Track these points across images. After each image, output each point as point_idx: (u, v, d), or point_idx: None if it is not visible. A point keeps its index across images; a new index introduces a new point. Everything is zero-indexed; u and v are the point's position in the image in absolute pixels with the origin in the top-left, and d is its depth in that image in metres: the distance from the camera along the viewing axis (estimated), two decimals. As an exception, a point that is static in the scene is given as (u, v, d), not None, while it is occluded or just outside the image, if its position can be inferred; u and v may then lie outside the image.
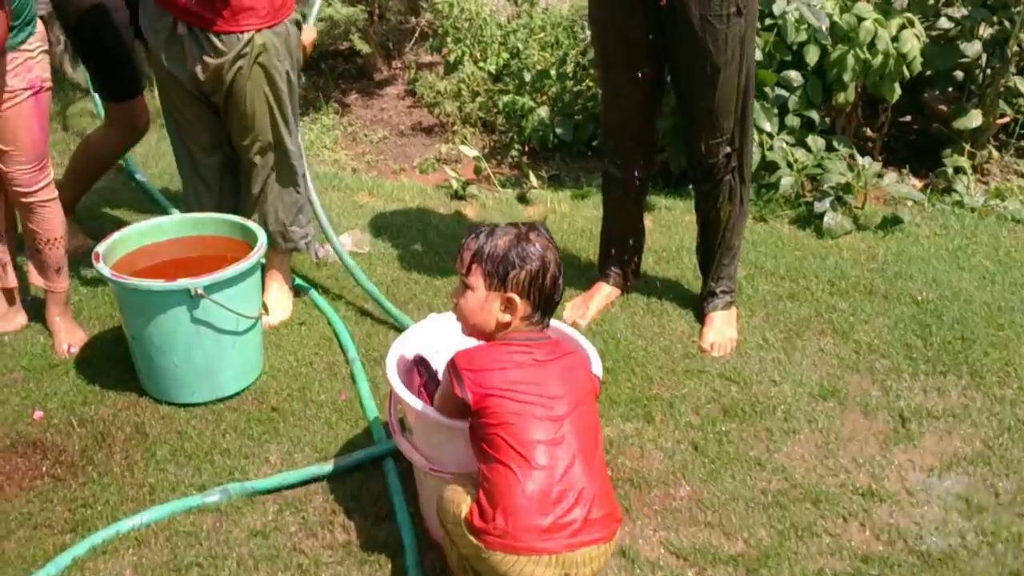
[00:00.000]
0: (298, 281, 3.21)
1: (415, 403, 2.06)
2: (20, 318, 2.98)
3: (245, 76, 2.74)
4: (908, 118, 4.26)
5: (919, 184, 3.84)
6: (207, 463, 2.46)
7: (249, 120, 2.81)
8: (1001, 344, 2.90)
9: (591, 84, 4.22)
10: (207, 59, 2.71)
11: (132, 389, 2.72)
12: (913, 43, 3.59)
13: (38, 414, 2.63)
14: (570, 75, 4.27)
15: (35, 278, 2.87)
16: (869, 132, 4.12)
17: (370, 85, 4.95)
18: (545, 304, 1.99)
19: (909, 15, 3.66)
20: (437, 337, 2.38)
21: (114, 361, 2.82)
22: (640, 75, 2.79)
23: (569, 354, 2.01)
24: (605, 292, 3.12)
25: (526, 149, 4.22)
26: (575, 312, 3.06)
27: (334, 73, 5.00)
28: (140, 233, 2.80)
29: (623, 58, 2.80)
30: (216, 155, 2.95)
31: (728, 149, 2.81)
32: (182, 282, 2.50)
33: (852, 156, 3.68)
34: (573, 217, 3.66)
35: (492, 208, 3.77)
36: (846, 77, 3.60)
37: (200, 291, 2.51)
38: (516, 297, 1.94)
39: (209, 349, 2.62)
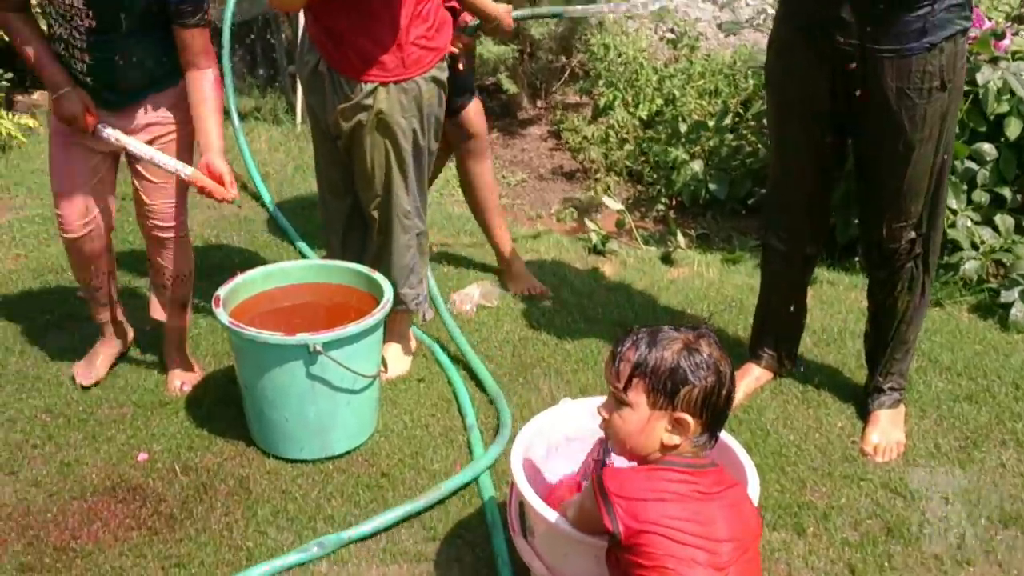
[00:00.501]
0: (420, 334, 2.99)
1: (545, 511, 1.77)
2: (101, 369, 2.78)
3: (365, 128, 2.57)
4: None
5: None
6: (309, 529, 2.24)
7: (368, 173, 2.63)
8: None
9: (753, 138, 3.87)
10: (335, 101, 2.56)
11: (240, 437, 2.54)
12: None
13: (142, 456, 2.48)
14: (729, 127, 3.92)
15: (157, 312, 2.74)
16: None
17: (513, 123, 4.73)
18: (716, 423, 1.67)
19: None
20: (571, 425, 2.09)
21: (225, 404, 2.65)
22: (819, 147, 2.46)
23: (735, 486, 1.69)
24: (755, 375, 2.76)
25: (673, 204, 3.90)
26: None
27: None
28: (264, 276, 2.63)
29: (802, 127, 2.46)
30: (345, 200, 2.77)
31: (913, 235, 2.43)
32: (301, 337, 2.30)
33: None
34: (722, 284, 3.32)
35: (632, 267, 3.46)
36: (1010, 131, 3.15)
37: (319, 348, 2.30)
38: (688, 418, 1.63)
39: (322, 406, 2.41)
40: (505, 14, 2.89)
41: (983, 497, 2.36)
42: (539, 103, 4.83)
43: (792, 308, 2.74)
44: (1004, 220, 3.28)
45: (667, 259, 3.52)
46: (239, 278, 2.56)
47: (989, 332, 3.05)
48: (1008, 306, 3.08)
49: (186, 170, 2.45)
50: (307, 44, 2.63)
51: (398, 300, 2.69)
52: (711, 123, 3.98)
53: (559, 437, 2.07)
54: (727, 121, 3.95)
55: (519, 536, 1.90)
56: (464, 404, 2.65)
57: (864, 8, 2.24)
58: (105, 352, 2.78)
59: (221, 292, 2.47)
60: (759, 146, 3.82)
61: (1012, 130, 3.17)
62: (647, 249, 3.60)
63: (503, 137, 4.65)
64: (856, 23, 2.26)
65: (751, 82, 4.13)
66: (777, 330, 2.76)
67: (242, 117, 4.35)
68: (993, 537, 2.24)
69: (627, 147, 4.19)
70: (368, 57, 2.50)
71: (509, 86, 4.50)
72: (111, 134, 2.45)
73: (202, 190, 2.42)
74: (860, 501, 2.34)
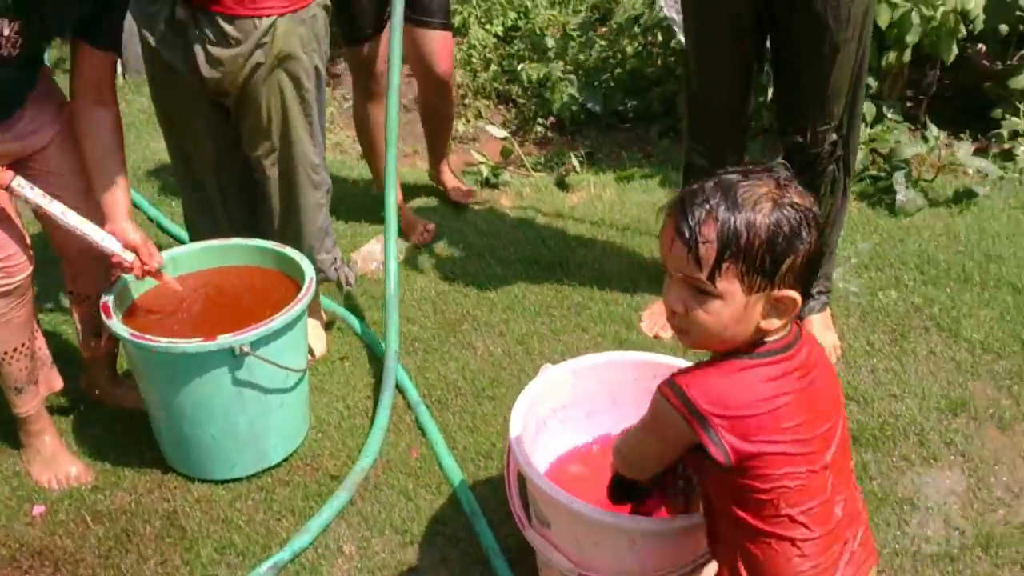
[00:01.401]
0: (327, 303, 2.64)
1: (567, 499, 1.53)
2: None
3: (264, 72, 2.12)
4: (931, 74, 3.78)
5: (971, 148, 3.37)
6: (264, 561, 1.91)
7: (266, 126, 2.20)
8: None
9: (624, 47, 3.64)
10: (216, 50, 2.07)
11: (154, 464, 2.13)
12: (976, 0, 3.10)
13: (38, 509, 2.03)
14: (595, 38, 3.67)
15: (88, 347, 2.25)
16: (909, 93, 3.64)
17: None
18: (812, 281, 1.28)
19: (969, -36, 3.16)
20: (561, 394, 1.85)
21: (126, 429, 2.22)
22: (739, 55, 2.26)
23: (820, 349, 1.36)
24: (681, 294, 2.61)
25: (550, 123, 3.64)
26: (654, 323, 2.55)
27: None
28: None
29: (721, 35, 2.25)
30: (224, 170, 2.33)
31: (835, 136, 2.30)
32: (223, 340, 1.92)
33: (921, 124, 3.20)
34: (623, 204, 3.12)
35: (529, 197, 3.20)
36: (909, 37, 3.09)
37: (246, 348, 1.93)
38: (793, 294, 1.23)
39: (253, 413, 2.06)
40: None
41: (926, 389, 2.32)
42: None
43: None
44: (867, 107, 3.23)
45: (562, 184, 3.28)
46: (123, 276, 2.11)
47: (881, 220, 3.03)
48: (892, 192, 3.06)
49: (114, 245, 1.96)
50: None
51: (316, 270, 2.33)
52: (576, 35, 3.71)
53: (546, 410, 1.83)
54: (591, 32, 3.70)
55: (529, 529, 1.67)
56: (401, 379, 2.35)
57: None
58: (56, 438, 2.17)
59: (107, 298, 2.03)
60: (619, 53, 3.61)
61: (883, 18, 3.09)
62: (539, 176, 3.34)
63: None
64: None
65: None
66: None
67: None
68: (948, 428, 2.21)
69: (492, 68, 3.86)
70: None
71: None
72: (32, 196, 1.90)
73: (121, 265, 1.96)
74: (817, 413, 2.27)
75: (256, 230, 2.40)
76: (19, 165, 1.94)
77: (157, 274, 2.03)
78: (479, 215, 3.09)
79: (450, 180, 3.16)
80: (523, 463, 1.60)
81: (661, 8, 2.70)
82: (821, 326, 2.49)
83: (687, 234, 1.20)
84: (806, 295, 1.26)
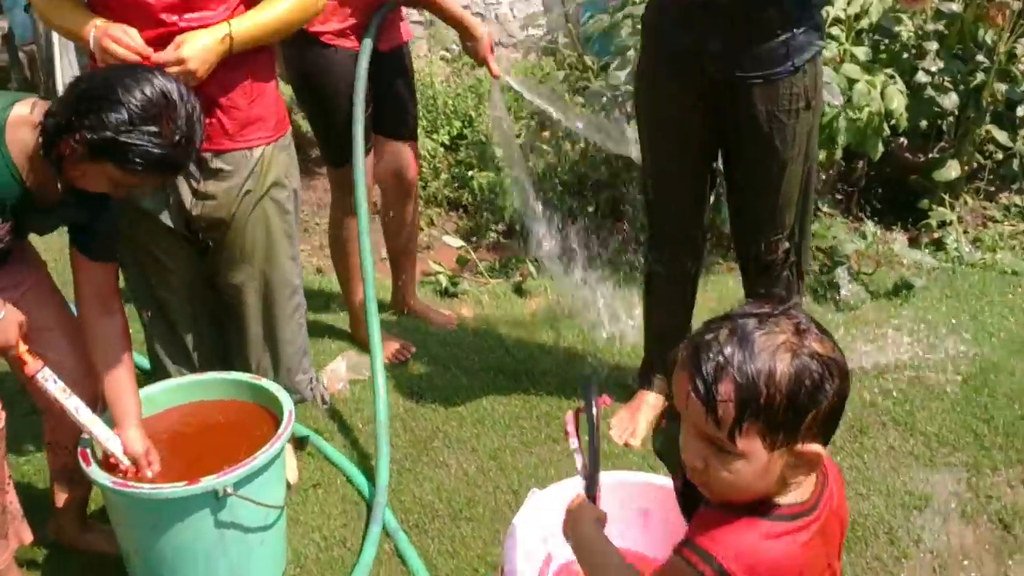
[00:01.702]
0: (298, 427, 2.61)
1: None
2: None
3: (252, 200, 2.17)
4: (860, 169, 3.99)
5: (906, 241, 3.55)
6: None
7: (250, 253, 2.23)
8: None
9: (559, 153, 3.77)
10: (208, 186, 2.11)
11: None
12: (899, 99, 3.31)
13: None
14: (539, 144, 3.79)
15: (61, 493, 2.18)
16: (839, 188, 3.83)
17: (308, 163, 4.32)
18: (834, 431, 1.21)
19: (890, 71, 3.38)
20: (553, 521, 1.86)
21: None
22: (693, 171, 2.37)
23: (839, 477, 1.31)
24: (651, 402, 2.66)
25: (502, 229, 3.72)
26: (623, 431, 2.60)
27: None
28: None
29: (676, 154, 2.37)
30: (195, 301, 2.32)
31: (787, 244, 2.41)
32: (207, 482, 1.88)
33: (854, 216, 3.38)
34: (580, 309, 3.19)
35: (489, 305, 3.26)
36: (840, 139, 3.28)
37: (229, 490, 1.91)
38: (818, 448, 1.17)
39: (235, 554, 2.02)
40: (486, 37, 2.68)
41: (890, 485, 2.41)
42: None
43: (680, 327, 2.65)
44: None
45: (519, 290, 3.34)
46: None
47: (828, 313, 3.16)
48: (836, 286, 3.20)
49: (117, 448, 1.94)
50: None
51: (293, 391, 2.32)
52: (522, 136, 3.84)
53: (537, 540, 1.84)
54: (537, 140, 3.82)
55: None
56: (375, 506, 2.32)
57: (730, 37, 2.16)
58: None
59: (85, 446, 1.98)
60: (573, 160, 3.73)
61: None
62: (496, 283, 3.40)
63: (304, 178, 4.22)
64: (723, 52, 2.18)
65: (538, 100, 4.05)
66: (668, 352, 2.67)
67: None
68: (914, 524, 2.28)
69: (442, 176, 3.94)
70: (248, 118, 2.10)
71: (305, 125, 4.09)
72: (53, 389, 1.88)
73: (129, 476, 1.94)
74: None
75: (223, 356, 2.40)
76: None
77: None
78: (437, 336, 3.10)
79: (422, 306, 3.18)
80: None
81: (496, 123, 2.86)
82: None
83: (704, 392, 1.14)
84: (828, 442, 1.20)
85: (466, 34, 2.70)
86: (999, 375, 2.80)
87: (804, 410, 1.13)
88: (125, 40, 1.92)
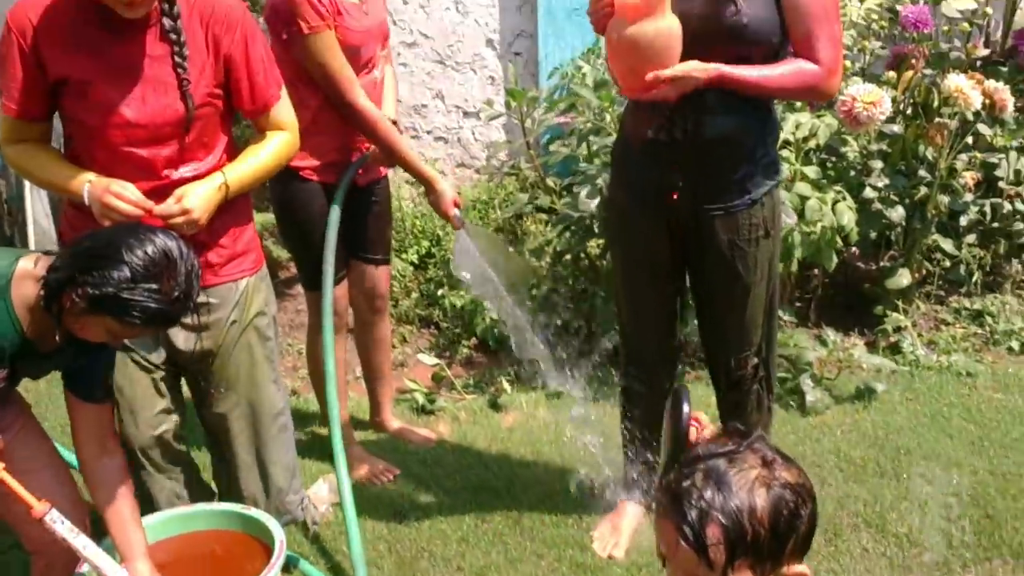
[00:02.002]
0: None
1: None
2: None
3: (237, 331, 2.28)
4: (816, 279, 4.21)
5: (864, 347, 3.72)
6: None
7: (234, 380, 2.33)
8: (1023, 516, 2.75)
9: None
10: (193, 321, 2.20)
11: None
12: (849, 215, 3.53)
13: None
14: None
15: None
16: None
17: (277, 285, 4.42)
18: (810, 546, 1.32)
19: (839, 188, 3.62)
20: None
21: None
22: (663, 294, 2.53)
23: None
24: (632, 513, 2.74)
25: (473, 345, 3.82)
26: (605, 543, 2.66)
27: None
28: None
29: (646, 279, 2.53)
30: (167, 433, 2.36)
31: (756, 360, 2.55)
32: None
33: (813, 323, 3.55)
34: (557, 422, 3.28)
35: (466, 421, 3.33)
36: (796, 253, 3.47)
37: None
38: (803, 569, 1.28)
39: None
40: (449, 192, 2.83)
41: (865, 588, 2.50)
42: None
43: (656, 440, 2.75)
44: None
45: (495, 405, 3.42)
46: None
47: (795, 419, 3.28)
48: (803, 393, 3.34)
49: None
50: None
51: (283, 511, 2.39)
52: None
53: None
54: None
55: None
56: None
57: (692, 173, 2.34)
58: None
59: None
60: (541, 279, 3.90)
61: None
62: (472, 398, 3.48)
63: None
64: (686, 187, 2.36)
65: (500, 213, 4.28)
66: (645, 463, 2.77)
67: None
68: (892, 626, 2.37)
69: (413, 295, 4.06)
70: (232, 254, 2.24)
71: (276, 250, 4.22)
72: (61, 530, 1.90)
73: None
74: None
75: (205, 488, 2.47)
76: None
77: None
78: (417, 455, 3.16)
79: (399, 426, 3.25)
80: None
81: (457, 268, 2.98)
82: None
83: (693, 539, 1.21)
84: (805, 554, 1.29)
85: (429, 188, 2.86)
86: (962, 474, 2.93)
87: (786, 537, 1.24)
88: (127, 195, 2.00)
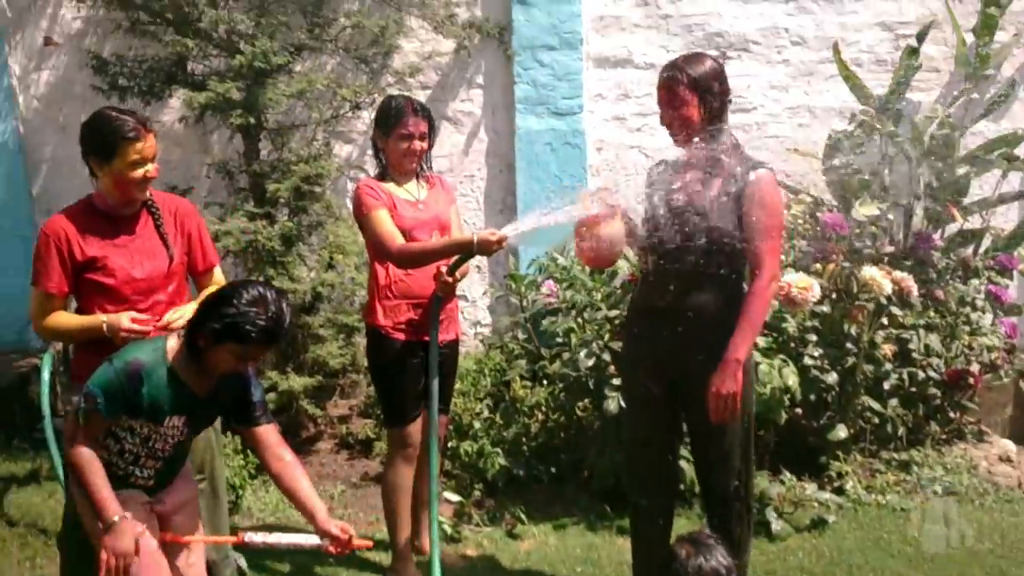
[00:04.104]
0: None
1: None
2: None
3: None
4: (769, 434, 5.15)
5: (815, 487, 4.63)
6: None
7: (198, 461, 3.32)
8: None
9: (527, 422, 4.82)
10: None
11: None
12: (793, 378, 4.53)
13: None
14: (511, 420, 4.84)
15: None
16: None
17: (300, 443, 5.17)
18: None
19: (783, 356, 4.63)
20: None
21: None
22: (662, 423, 3.43)
23: None
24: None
25: (481, 484, 4.62)
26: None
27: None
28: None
29: (647, 422, 3.44)
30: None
31: (736, 482, 3.40)
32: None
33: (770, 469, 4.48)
34: (568, 546, 4.09)
35: (488, 546, 4.10)
36: (752, 410, 4.42)
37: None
38: None
39: None
40: (490, 240, 3.41)
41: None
42: (320, 421, 5.34)
43: (659, 552, 3.56)
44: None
45: (511, 534, 4.22)
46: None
47: (764, 544, 4.13)
48: (768, 524, 4.20)
49: (310, 539, 2.80)
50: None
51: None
52: (497, 416, 4.87)
53: None
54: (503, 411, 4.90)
55: None
56: None
57: (679, 344, 3.27)
58: None
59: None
60: (535, 427, 4.79)
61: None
62: (490, 530, 4.26)
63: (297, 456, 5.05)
64: (675, 354, 3.29)
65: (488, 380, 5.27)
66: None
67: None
68: None
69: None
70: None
71: (315, 411, 5.03)
72: (258, 538, 2.83)
73: (338, 550, 2.77)
74: None
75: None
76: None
77: (350, 542, 2.77)
78: (453, 570, 3.90)
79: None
80: None
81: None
82: None
83: None
84: None
85: (467, 245, 3.49)
86: (902, 584, 3.81)
87: None
88: (140, 319, 3.12)
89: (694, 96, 3.22)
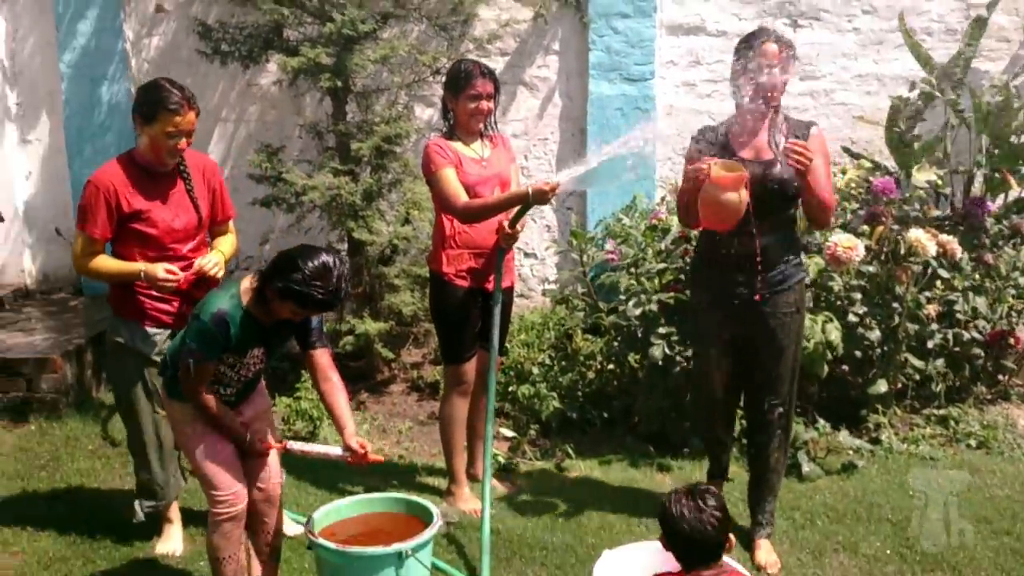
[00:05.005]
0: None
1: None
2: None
3: None
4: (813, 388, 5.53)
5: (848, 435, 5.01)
6: None
7: None
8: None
9: (583, 371, 5.32)
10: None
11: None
12: (836, 334, 4.90)
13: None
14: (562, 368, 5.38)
15: (259, 568, 3.51)
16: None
17: (374, 385, 5.80)
18: None
19: (828, 314, 5.00)
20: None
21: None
22: (725, 359, 3.99)
23: None
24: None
25: (538, 425, 5.16)
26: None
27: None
28: (323, 516, 3.47)
29: (715, 347, 3.99)
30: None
31: (781, 409, 3.93)
32: (397, 547, 3.20)
33: (811, 420, 4.92)
34: (610, 479, 4.60)
35: (537, 477, 4.65)
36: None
37: (409, 552, 3.20)
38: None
39: (404, 601, 3.27)
40: (543, 188, 3.82)
41: (840, 585, 3.72)
42: (394, 366, 5.96)
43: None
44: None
45: (559, 468, 4.74)
46: (320, 512, 3.45)
47: (795, 484, 4.55)
48: (800, 466, 4.62)
49: (335, 451, 3.36)
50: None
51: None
52: (556, 367, 5.41)
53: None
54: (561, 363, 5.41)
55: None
56: None
57: (751, 274, 3.79)
58: None
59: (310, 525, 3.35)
60: (592, 374, 5.29)
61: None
62: (542, 463, 4.81)
63: (372, 396, 5.70)
64: (744, 283, 3.81)
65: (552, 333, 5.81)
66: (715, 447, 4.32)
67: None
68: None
69: (489, 390, 5.42)
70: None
71: (386, 352, 5.64)
72: (298, 446, 3.43)
73: (357, 463, 3.34)
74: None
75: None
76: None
77: (364, 456, 3.34)
78: (504, 495, 4.47)
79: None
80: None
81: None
82: (767, 547, 3.94)
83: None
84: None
85: (524, 197, 3.92)
86: (916, 520, 4.18)
87: None
88: (171, 270, 3.70)
89: (791, 65, 3.80)
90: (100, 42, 6.68)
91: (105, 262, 3.78)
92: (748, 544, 3.98)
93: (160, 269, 3.67)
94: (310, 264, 3.07)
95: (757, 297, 3.79)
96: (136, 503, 4.02)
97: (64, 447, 5.07)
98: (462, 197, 4.09)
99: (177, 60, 6.72)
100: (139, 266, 3.70)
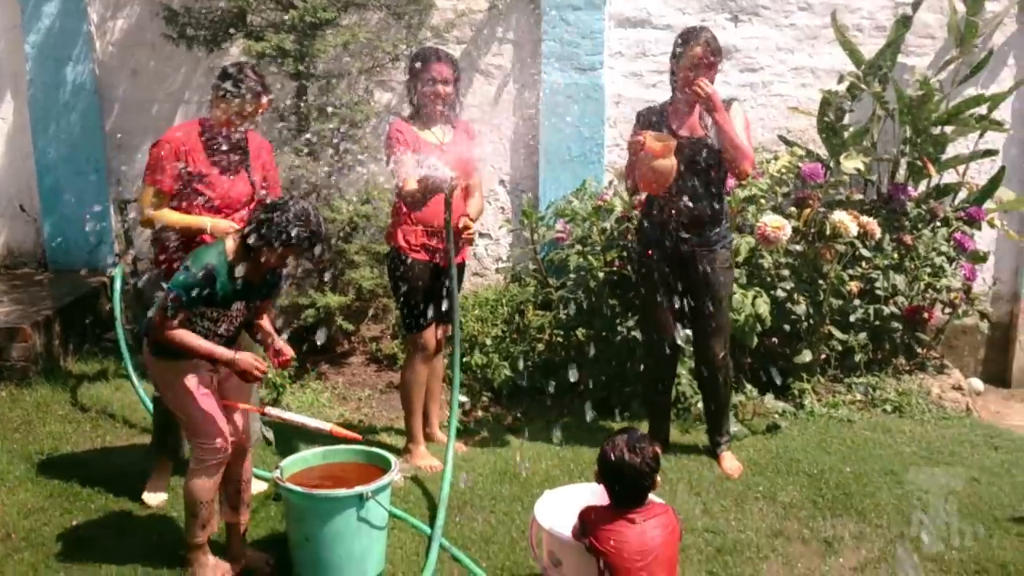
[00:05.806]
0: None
1: (565, 537, 3.31)
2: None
3: None
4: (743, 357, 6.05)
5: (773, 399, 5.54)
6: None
7: None
8: (868, 495, 4.50)
9: (534, 343, 5.80)
10: None
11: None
12: (765, 308, 5.40)
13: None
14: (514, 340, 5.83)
15: (227, 516, 3.88)
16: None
17: (335, 357, 6.21)
18: None
19: (757, 289, 5.50)
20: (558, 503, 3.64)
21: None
22: (670, 304, 4.61)
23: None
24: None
25: (489, 394, 5.62)
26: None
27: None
28: (291, 463, 3.89)
29: (659, 293, 4.62)
30: None
31: (722, 353, 4.64)
32: (358, 488, 3.63)
33: (739, 386, 5.41)
34: (555, 441, 5.08)
35: (488, 436, 5.12)
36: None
37: (370, 495, 3.63)
38: None
39: (365, 541, 3.70)
40: (228, 230, 4.06)
41: (762, 524, 4.22)
42: (353, 339, 6.38)
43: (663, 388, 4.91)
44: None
45: (510, 429, 5.23)
46: (288, 461, 3.84)
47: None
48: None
49: (326, 426, 3.74)
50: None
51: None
52: (507, 340, 5.87)
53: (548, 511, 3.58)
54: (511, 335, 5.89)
55: (551, 569, 3.38)
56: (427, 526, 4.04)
57: (691, 233, 4.41)
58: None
59: (276, 473, 3.74)
60: (541, 345, 5.76)
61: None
62: (494, 425, 5.28)
63: (332, 368, 6.11)
64: (686, 240, 4.42)
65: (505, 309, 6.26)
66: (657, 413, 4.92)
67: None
68: (774, 544, 4.08)
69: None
70: None
71: (346, 324, 6.04)
72: (276, 412, 3.79)
73: (340, 436, 3.74)
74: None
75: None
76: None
77: (288, 361, 3.80)
78: (457, 453, 4.91)
79: (441, 436, 5.02)
80: (542, 525, 3.36)
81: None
82: (729, 458, 4.78)
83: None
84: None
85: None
86: (832, 473, 4.70)
87: None
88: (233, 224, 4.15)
89: (719, 60, 4.56)
90: (64, 24, 6.96)
91: (172, 214, 4.19)
92: (715, 457, 4.85)
93: (227, 225, 4.09)
94: (291, 209, 3.54)
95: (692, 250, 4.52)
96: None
97: (35, 412, 5.40)
98: (410, 184, 4.50)
99: (142, 42, 7.02)
100: (205, 220, 4.14)
